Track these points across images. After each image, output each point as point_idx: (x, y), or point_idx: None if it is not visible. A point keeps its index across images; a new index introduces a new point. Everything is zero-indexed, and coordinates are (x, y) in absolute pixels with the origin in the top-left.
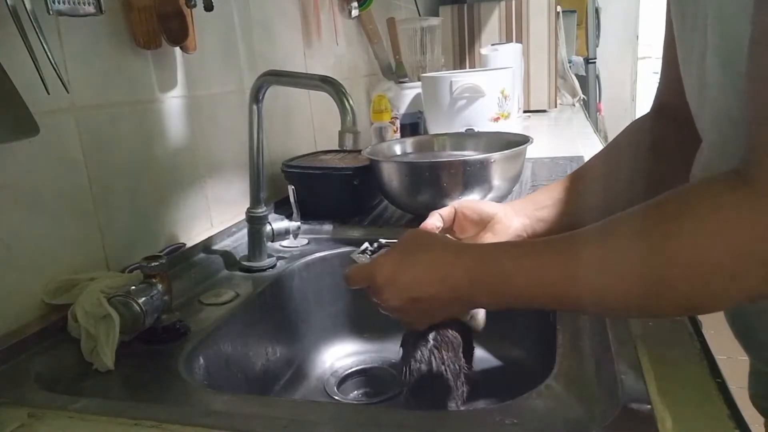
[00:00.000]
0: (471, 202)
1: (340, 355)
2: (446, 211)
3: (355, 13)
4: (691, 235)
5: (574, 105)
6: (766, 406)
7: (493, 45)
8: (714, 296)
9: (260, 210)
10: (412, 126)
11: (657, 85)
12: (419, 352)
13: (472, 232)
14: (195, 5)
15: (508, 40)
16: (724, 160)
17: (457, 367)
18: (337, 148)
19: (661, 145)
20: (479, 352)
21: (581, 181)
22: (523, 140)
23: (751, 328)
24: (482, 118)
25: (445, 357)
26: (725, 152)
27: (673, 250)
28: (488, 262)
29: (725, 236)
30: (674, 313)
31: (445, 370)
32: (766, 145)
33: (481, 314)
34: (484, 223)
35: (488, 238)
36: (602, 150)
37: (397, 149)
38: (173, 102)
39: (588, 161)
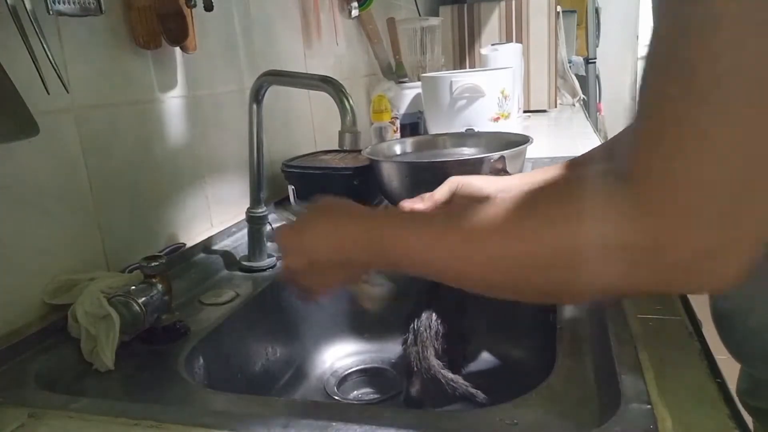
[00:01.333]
0: (470, 180)
1: (340, 355)
2: (443, 191)
3: (355, 13)
4: (559, 225)
5: (574, 105)
6: (752, 405)
7: (493, 45)
8: (574, 287)
9: (260, 210)
10: (412, 126)
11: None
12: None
13: None
14: (195, 5)
15: (508, 40)
16: None
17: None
18: (337, 148)
19: None
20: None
21: (580, 167)
22: (523, 140)
23: (731, 329)
24: (482, 118)
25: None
26: None
27: (541, 237)
28: (372, 229)
29: (592, 232)
30: (533, 299)
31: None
32: (646, 142)
33: (375, 291)
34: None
35: None
36: (605, 142)
37: (397, 149)
38: (173, 102)
39: (590, 150)
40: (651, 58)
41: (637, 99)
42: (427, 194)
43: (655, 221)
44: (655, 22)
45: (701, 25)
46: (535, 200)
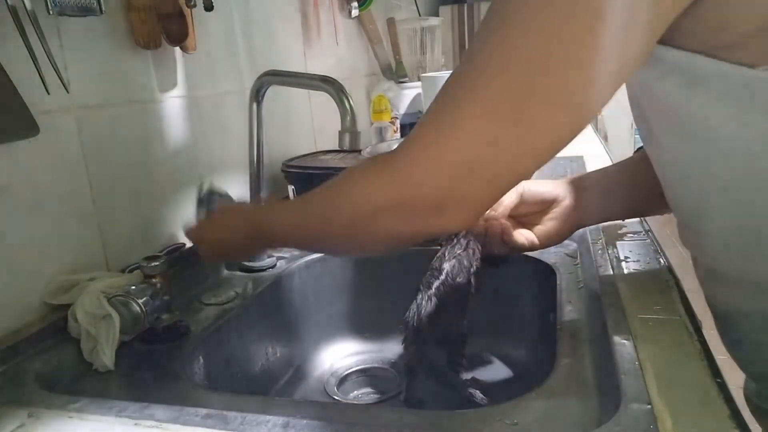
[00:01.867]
0: (535, 186)
1: (340, 355)
2: (511, 197)
3: (355, 13)
4: (347, 192)
5: None
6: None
7: None
8: (361, 241)
9: None
10: (412, 126)
11: None
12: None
13: (534, 213)
14: (195, 5)
15: None
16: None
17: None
18: (337, 148)
19: None
20: (479, 352)
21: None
22: None
23: (738, 341)
24: None
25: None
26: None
27: (337, 202)
28: (251, 219)
29: (359, 196)
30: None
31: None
32: (409, 136)
33: None
34: (546, 205)
35: (547, 220)
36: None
37: None
38: (173, 102)
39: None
40: (449, 81)
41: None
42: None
43: (399, 183)
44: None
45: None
46: (331, 179)
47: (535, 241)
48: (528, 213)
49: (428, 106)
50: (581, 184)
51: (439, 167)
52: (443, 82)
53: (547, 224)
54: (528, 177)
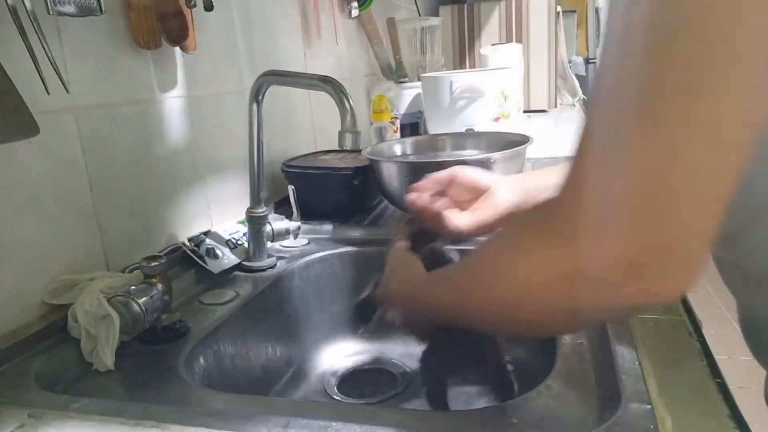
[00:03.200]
0: (470, 171)
1: (340, 355)
2: (443, 177)
3: (355, 13)
4: (508, 271)
5: (574, 105)
6: None
7: (493, 45)
8: (543, 313)
9: (260, 210)
10: (412, 126)
11: None
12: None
13: (466, 199)
14: (195, 5)
15: (508, 40)
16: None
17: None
18: (337, 148)
19: None
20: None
21: None
22: (523, 140)
23: (762, 339)
24: (482, 118)
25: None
26: None
27: (499, 285)
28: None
29: (532, 269)
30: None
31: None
32: (574, 180)
33: None
34: (478, 193)
35: (481, 206)
36: None
37: (397, 149)
38: (173, 102)
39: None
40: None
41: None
42: (432, 176)
43: (571, 246)
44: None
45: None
46: (488, 250)
47: (461, 227)
48: (460, 198)
49: (578, 145)
50: (523, 183)
51: (622, 213)
52: (443, 82)
53: (475, 213)
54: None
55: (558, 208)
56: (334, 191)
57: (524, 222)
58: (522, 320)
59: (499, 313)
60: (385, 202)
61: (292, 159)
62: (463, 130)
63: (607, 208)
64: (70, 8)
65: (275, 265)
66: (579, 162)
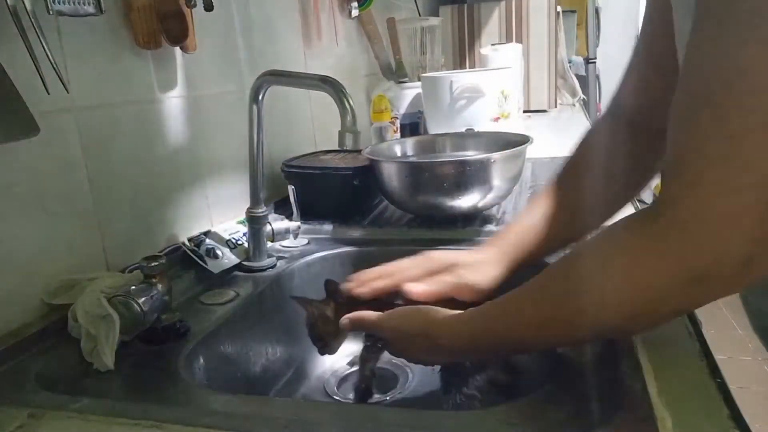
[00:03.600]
0: (442, 255)
1: (340, 355)
2: (416, 273)
3: (355, 13)
4: (614, 276)
5: (574, 105)
6: None
7: (493, 45)
8: (647, 314)
9: (260, 210)
10: (412, 126)
11: (620, 88)
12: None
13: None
14: (195, 5)
15: (508, 40)
16: None
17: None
18: (337, 148)
19: (636, 152)
20: None
21: (562, 208)
22: (523, 140)
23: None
24: (482, 118)
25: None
26: None
27: (606, 292)
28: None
29: (639, 273)
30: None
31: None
32: (670, 194)
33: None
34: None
35: (444, 279)
36: (571, 165)
37: (397, 149)
38: (173, 102)
39: (560, 178)
40: (682, 93)
41: (669, 133)
42: (396, 270)
43: (692, 253)
44: (687, 56)
45: (731, 73)
46: (591, 261)
47: (415, 294)
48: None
49: (674, 149)
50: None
51: (740, 214)
52: (443, 82)
53: (434, 281)
54: None
55: (675, 220)
56: (334, 191)
57: (634, 231)
58: (607, 328)
59: (603, 328)
60: (385, 202)
61: (292, 159)
62: (463, 130)
63: (730, 216)
64: (70, 8)
65: (275, 265)
66: (691, 174)
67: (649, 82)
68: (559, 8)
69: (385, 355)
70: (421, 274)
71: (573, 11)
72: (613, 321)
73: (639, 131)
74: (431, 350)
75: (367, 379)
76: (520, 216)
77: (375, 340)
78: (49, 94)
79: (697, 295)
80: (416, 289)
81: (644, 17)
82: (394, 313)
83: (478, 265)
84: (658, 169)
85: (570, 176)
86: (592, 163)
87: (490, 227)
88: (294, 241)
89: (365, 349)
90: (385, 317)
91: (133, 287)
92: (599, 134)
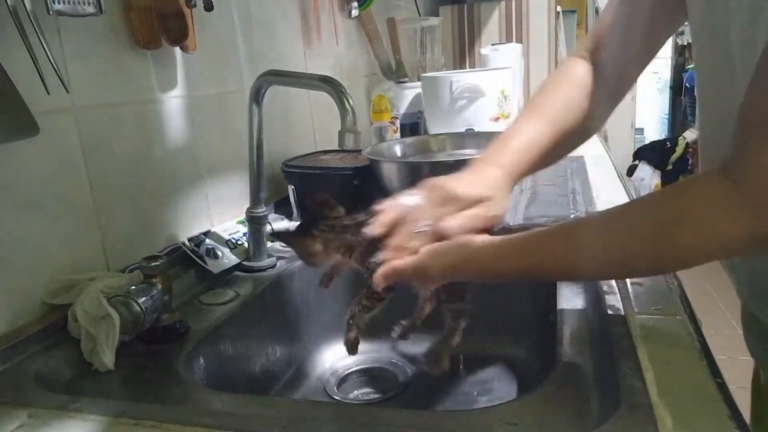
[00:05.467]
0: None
1: (340, 355)
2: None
3: (355, 13)
4: (691, 228)
5: None
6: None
7: (493, 45)
8: (705, 262)
9: (260, 210)
10: (412, 126)
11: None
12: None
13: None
14: (195, 5)
15: (508, 40)
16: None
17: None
18: (337, 148)
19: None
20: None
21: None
22: None
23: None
24: (482, 118)
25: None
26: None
27: (678, 239)
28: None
29: (713, 230)
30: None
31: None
32: (751, 150)
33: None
34: (460, 204)
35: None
36: (545, 94)
37: (397, 149)
38: (173, 102)
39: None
40: (762, 79)
41: (743, 113)
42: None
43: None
44: None
45: None
46: (665, 210)
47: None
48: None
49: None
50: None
51: None
52: (443, 82)
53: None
54: None
55: (738, 174)
56: (334, 191)
57: (711, 186)
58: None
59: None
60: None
61: (292, 159)
62: (463, 130)
63: None
64: (69, 8)
65: (275, 265)
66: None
67: (623, 24)
68: (559, 8)
69: (385, 356)
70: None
71: (573, 11)
72: (674, 265)
73: (601, 66)
74: (482, 276)
75: (360, 331)
76: (511, 132)
77: (371, 291)
78: (49, 94)
79: (754, 249)
80: (452, 224)
81: None
82: (434, 252)
83: (496, 194)
84: (614, 101)
85: (550, 100)
86: (571, 93)
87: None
88: None
89: (366, 298)
90: (426, 259)
91: (133, 287)
92: (572, 70)
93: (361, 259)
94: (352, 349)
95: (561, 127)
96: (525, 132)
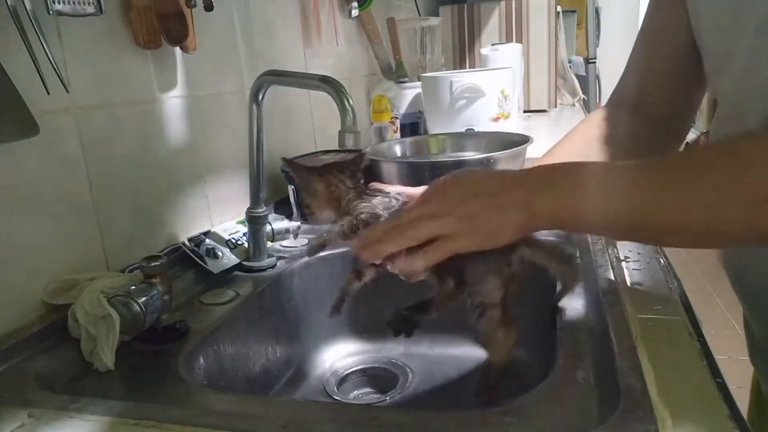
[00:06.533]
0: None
1: (340, 355)
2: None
3: (355, 13)
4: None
5: (574, 105)
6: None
7: (493, 45)
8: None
9: (260, 210)
10: (412, 126)
11: (622, 77)
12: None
13: None
14: (195, 5)
15: (508, 40)
16: None
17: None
18: (337, 148)
19: (632, 138)
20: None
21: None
22: (523, 140)
23: (742, 276)
24: (482, 118)
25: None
26: None
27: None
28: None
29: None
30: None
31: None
32: None
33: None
34: None
35: None
36: (564, 144)
37: (397, 149)
38: (173, 102)
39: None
40: None
41: None
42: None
43: None
44: None
45: None
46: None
47: None
48: None
49: None
50: None
51: None
52: (443, 82)
53: None
54: None
55: None
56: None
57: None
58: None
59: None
60: None
61: (292, 159)
62: (463, 130)
63: None
64: (69, 8)
65: (275, 265)
66: None
67: (651, 67)
68: (559, 8)
69: (385, 356)
70: None
71: (573, 11)
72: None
73: (642, 117)
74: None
75: (348, 294)
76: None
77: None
78: (49, 94)
79: None
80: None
81: (650, 4)
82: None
83: None
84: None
85: (567, 156)
86: (594, 147)
87: None
88: (294, 241)
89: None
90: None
91: (133, 287)
92: (599, 122)
93: (348, 228)
94: (333, 308)
95: None
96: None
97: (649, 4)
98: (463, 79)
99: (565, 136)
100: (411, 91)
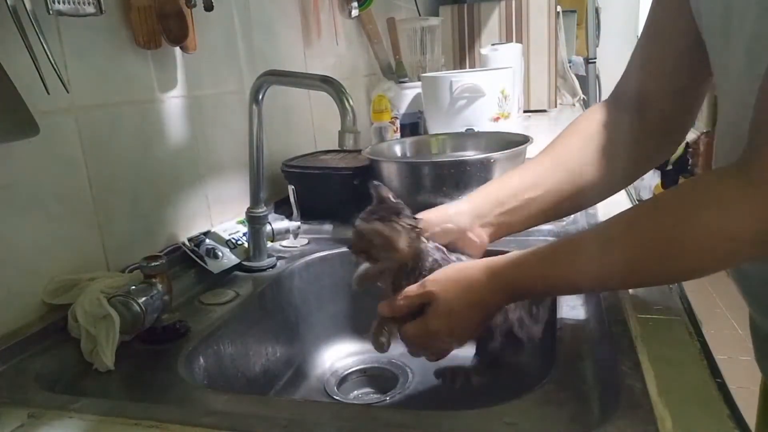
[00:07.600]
0: (436, 216)
1: (340, 355)
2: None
3: (355, 13)
4: (700, 222)
5: (574, 105)
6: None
7: (493, 45)
8: (714, 264)
9: (260, 210)
10: (412, 126)
11: (624, 74)
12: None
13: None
14: (195, 5)
15: (508, 40)
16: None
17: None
18: (337, 148)
19: (628, 132)
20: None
21: (548, 175)
22: (523, 140)
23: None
24: (482, 118)
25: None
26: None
27: (687, 234)
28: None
29: (726, 223)
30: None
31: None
32: (765, 150)
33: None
34: (451, 237)
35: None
36: (561, 140)
37: (397, 149)
38: (173, 102)
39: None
40: None
41: (756, 114)
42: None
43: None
44: None
45: None
46: (678, 207)
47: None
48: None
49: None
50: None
51: None
52: (443, 82)
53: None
54: None
55: (749, 172)
56: (334, 191)
57: (724, 182)
58: (692, 271)
59: (672, 268)
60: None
61: (292, 159)
62: (463, 130)
63: None
64: (69, 8)
65: (275, 265)
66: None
67: (655, 63)
68: (559, 8)
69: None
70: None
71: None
72: (690, 267)
73: (644, 114)
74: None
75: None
76: (518, 180)
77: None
78: (49, 94)
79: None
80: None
81: (653, 2)
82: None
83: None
84: (657, 159)
85: (565, 153)
86: (593, 144)
87: None
88: (294, 241)
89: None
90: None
91: (133, 287)
92: (598, 119)
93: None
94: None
95: (572, 184)
96: (511, 184)
97: (652, 1)
98: (463, 79)
99: (562, 131)
100: (411, 91)
